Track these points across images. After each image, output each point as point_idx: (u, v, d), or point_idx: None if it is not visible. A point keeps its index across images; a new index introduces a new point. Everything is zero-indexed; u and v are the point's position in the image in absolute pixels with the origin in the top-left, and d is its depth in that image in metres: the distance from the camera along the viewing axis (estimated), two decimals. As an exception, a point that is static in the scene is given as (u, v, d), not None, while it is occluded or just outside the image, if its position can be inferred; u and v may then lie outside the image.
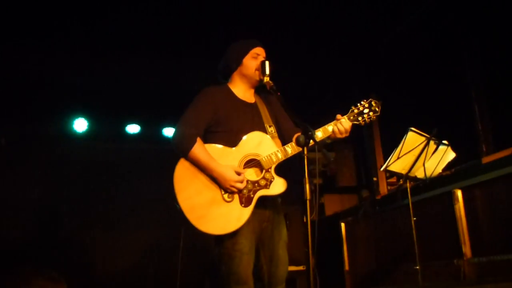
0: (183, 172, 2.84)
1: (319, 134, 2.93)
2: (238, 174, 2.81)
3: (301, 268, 6.27)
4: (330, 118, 3.00)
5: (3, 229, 6.28)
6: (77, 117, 6.98)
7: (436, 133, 3.95)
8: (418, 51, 5.76)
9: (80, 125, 6.99)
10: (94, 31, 5.56)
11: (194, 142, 2.84)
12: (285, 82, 3.25)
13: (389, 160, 4.02)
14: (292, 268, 5.71)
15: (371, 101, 3.05)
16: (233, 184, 2.77)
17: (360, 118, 3.02)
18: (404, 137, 3.94)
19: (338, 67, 6.52)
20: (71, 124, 6.98)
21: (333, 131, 2.94)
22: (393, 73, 6.30)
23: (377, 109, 3.05)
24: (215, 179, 2.81)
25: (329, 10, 5.35)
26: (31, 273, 1.47)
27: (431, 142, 3.97)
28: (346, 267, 5.97)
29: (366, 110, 3.03)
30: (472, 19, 4.99)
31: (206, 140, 2.95)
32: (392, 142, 4.24)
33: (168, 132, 7.37)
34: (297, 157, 2.81)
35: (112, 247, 6.76)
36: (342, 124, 2.93)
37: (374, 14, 5.41)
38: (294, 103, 2.85)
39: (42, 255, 6.24)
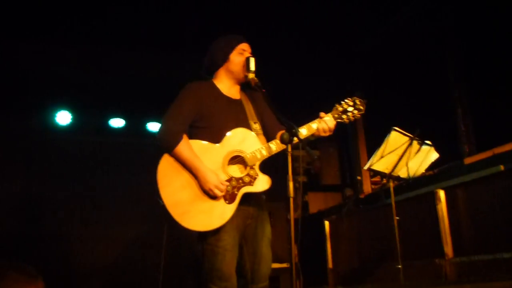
0: (167, 167, 2.82)
1: (304, 131, 2.93)
2: (221, 182, 2.79)
3: (284, 265, 6.29)
4: (314, 116, 3.00)
5: (-17, 222, 6.21)
6: (60, 110, 6.89)
7: (419, 133, 3.98)
8: (402, 51, 5.80)
9: (63, 117, 6.90)
10: (80, 23, 5.50)
11: (179, 139, 2.82)
12: (269, 79, 3.23)
13: (373, 159, 4.04)
14: (275, 265, 5.71)
15: (355, 99, 3.05)
16: (212, 188, 2.76)
17: (344, 116, 3.01)
18: (387, 136, 3.96)
19: (323, 66, 6.53)
20: (54, 116, 6.89)
21: (317, 129, 2.94)
22: (377, 73, 6.33)
23: (361, 107, 3.05)
24: (197, 178, 2.80)
25: (315, 9, 5.35)
26: (6, 267, 1.45)
27: (414, 142, 4.00)
28: (330, 265, 5.99)
29: (350, 108, 3.02)
30: (456, 20, 5.03)
31: (190, 136, 2.93)
32: (376, 142, 4.25)
33: (153, 126, 7.31)
34: (282, 155, 2.80)
35: (95, 241, 6.70)
36: (326, 122, 2.93)
37: (358, 13, 5.43)
38: (279, 101, 2.83)
39: (24, 249, 6.18)
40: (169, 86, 4.08)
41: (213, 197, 2.78)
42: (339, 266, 5.87)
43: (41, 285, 1.50)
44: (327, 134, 2.97)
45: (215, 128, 2.93)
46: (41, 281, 1.50)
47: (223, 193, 2.79)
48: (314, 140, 3.08)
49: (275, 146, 2.91)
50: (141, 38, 5.83)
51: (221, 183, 2.78)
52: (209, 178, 2.77)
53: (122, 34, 5.76)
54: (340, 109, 3.02)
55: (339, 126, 3.05)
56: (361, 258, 5.41)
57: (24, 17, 5.29)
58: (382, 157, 3.98)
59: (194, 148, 2.85)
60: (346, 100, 3.04)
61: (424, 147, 4.08)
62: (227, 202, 2.79)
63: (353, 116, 3.03)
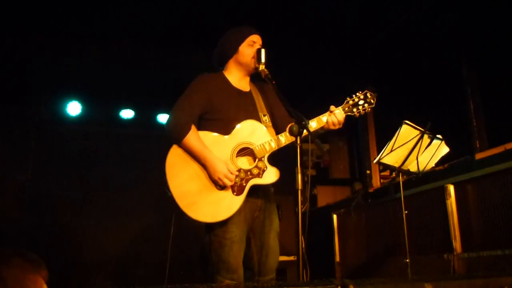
0: (175, 158, 2.83)
1: (313, 124, 2.92)
2: (230, 172, 2.79)
3: (292, 258, 6.29)
4: (324, 110, 2.99)
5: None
6: (71, 101, 6.91)
7: (430, 127, 3.94)
8: (415, 46, 5.74)
9: (74, 108, 6.92)
10: (92, 15, 5.49)
11: (188, 129, 2.82)
12: (280, 72, 3.22)
13: (382, 153, 4.01)
14: (283, 258, 5.70)
15: (366, 93, 3.03)
16: (221, 177, 2.76)
17: (354, 110, 3.00)
18: (398, 130, 3.93)
19: (334, 59, 6.49)
20: (65, 107, 6.91)
21: (327, 122, 2.93)
22: (389, 67, 6.28)
23: (372, 101, 3.03)
24: (205, 168, 2.80)
25: (327, 3, 5.31)
26: (11, 254, 1.45)
27: (425, 136, 3.96)
28: (337, 258, 5.98)
29: (361, 102, 3.01)
30: (469, 16, 4.98)
31: (199, 127, 2.93)
32: (386, 136, 4.22)
33: (162, 118, 7.31)
34: (292, 148, 2.80)
35: (103, 233, 6.72)
36: (336, 115, 2.92)
37: (372, 7, 5.38)
38: (289, 93, 2.82)
39: (31, 240, 6.21)
40: (179, 77, 4.07)
41: (222, 187, 2.79)
42: (347, 260, 5.86)
43: (45, 272, 1.50)
44: (337, 127, 2.96)
45: (225, 120, 2.93)
46: (44, 269, 1.51)
47: (232, 183, 2.79)
48: (324, 134, 3.08)
49: (284, 138, 2.90)
50: (153, 29, 5.81)
51: (231, 173, 2.78)
52: (218, 167, 2.77)
53: (134, 26, 5.75)
54: (351, 102, 3.01)
55: (349, 120, 3.04)
56: (369, 252, 5.40)
57: (36, 8, 5.29)
58: (392, 150, 3.95)
59: (203, 140, 2.85)
60: (357, 94, 3.03)
61: (435, 141, 4.04)
62: (235, 194, 2.80)
63: (363, 110, 3.02)
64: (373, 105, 3.04)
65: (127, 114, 7.22)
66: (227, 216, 2.75)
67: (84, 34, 5.83)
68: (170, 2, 5.27)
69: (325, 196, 7.39)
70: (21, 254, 1.49)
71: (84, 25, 5.66)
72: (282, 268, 5.98)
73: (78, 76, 6.65)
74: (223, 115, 2.95)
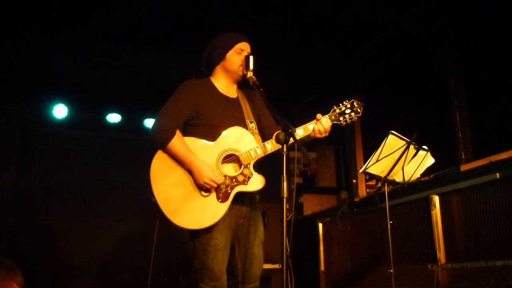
0: (160, 164, 2.81)
1: (300, 132, 2.91)
2: (216, 176, 2.78)
3: (276, 266, 6.27)
4: (311, 118, 2.98)
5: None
6: (57, 103, 6.85)
7: (417, 137, 3.96)
8: (403, 57, 5.78)
9: (60, 111, 6.86)
10: (81, 18, 5.46)
11: (173, 134, 2.80)
12: (267, 80, 3.21)
13: (368, 162, 4.02)
14: (267, 266, 5.70)
15: (353, 102, 3.03)
16: (207, 181, 2.74)
17: (341, 118, 3.00)
18: (385, 140, 3.94)
19: (322, 68, 6.51)
20: (51, 109, 6.85)
21: (313, 130, 2.92)
22: (377, 77, 6.32)
23: (359, 110, 3.03)
24: (191, 173, 2.78)
25: (316, 11, 5.33)
26: None
27: (411, 147, 3.98)
28: (322, 267, 5.97)
29: (347, 111, 3.01)
30: (457, 28, 5.02)
31: (185, 133, 2.92)
32: (373, 146, 4.24)
33: (149, 123, 7.27)
34: (279, 156, 2.79)
35: (86, 237, 6.68)
36: (322, 124, 2.91)
37: (359, 17, 5.41)
38: (276, 101, 2.81)
39: (15, 243, 6.14)
40: (166, 82, 4.06)
41: (207, 192, 2.77)
42: (332, 269, 5.85)
43: (20, 279, 1.47)
44: (323, 135, 2.95)
45: (211, 127, 2.92)
46: (19, 275, 1.47)
47: (220, 183, 2.77)
48: (311, 142, 3.07)
49: (271, 146, 2.89)
50: (141, 35, 5.80)
51: (216, 176, 2.76)
52: (204, 171, 2.75)
53: (122, 30, 5.72)
54: (338, 111, 3.00)
55: (337, 128, 3.04)
56: (354, 261, 5.39)
57: (24, 7, 5.25)
58: (378, 160, 3.96)
59: (188, 145, 2.83)
60: (344, 103, 3.03)
61: (421, 152, 4.06)
62: (220, 200, 2.78)
63: (350, 119, 3.02)
64: (360, 114, 3.03)
65: (114, 118, 7.18)
66: (211, 223, 2.73)
67: (73, 36, 5.80)
68: (159, 6, 5.26)
69: (311, 204, 7.39)
70: None
71: (73, 27, 5.63)
72: (267, 276, 5.96)
73: (65, 78, 6.60)
74: (209, 121, 2.93)
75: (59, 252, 6.47)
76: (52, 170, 6.81)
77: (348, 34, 5.75)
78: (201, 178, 2.75)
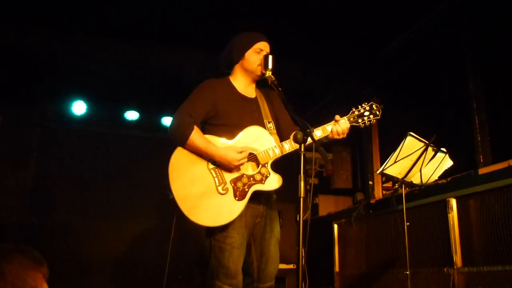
0: (179, 161, 2.83)
1: (318, 133, 2.92)
2: (239, 152, 2.80)
3: (291, 266, 6.28)
4: (329, 119, 2.99)
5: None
6: (76, 100, 6.91)
7: (435, 139, 3.94)
8: (422, 59, 5.74)
9: (79, 108, 6.92)
10: (99, 15, 5.51)
11: (191, 130, 2.82)
12: (286, 80, 3.22)
13: (386, 164, 4.00)
14: (282, 266, 5.70)
15: (372, 104, 3.04)
16: (237, 163, 2.79)
17: (360, 120, 3.01)
18: (403, 141, 3.92)
19: (341, 69, 6.49)
20: (70, 106, 6.91)
21: (331, 131, 2.93)
22: (395, 79, 6.28)
23: (377, 112, 3.04)
24: (217, 164, 2.81)
25: (336, 11, 5.32)
26: (11, 250, 1.45)
27: (429, 149, 3.96)
28: (336, 268, 5.95)
29: (366, 113, 3.02)
30: (477, 31, 4.98)
31: (204, 132, 2.93)
32: (390, 147, 4.22)
33: (167, 121, 7.28)
34: (295, 156, 2.79)
35: (103, 234, 6.70)
36: (340, 125, 2.93)
37: (378, 19, 5.38)
38: (294, 101, 2.82)
39: (33, 239, 6.20)
40: (185, 81, 4.09)
41: (223, 192, 2.78)
42: (346, 270, 5.83)
43: (46, 270, 1.50)
44: (341, 137, 2.97)
45: (229, 126, 2.94)
46: (45, 266, 1.50)
47: (246, 160, 2.82)
48: (327, 143, 3.07)
49: (289, 145, 2.91)
50: (160, 32, 5.83)
51: (242, 153, 2.81)
52: (229, 156, 2.79)
53: (141, 28, 5.76)
54: (356, 113, 3.02)
55: (354, 130, 3.05)
56: (369, 263, 5.37)
57: (44, 6, 5.32)
58: (396, 161, 3.94)
59: None
60: (363, 105, 3.04)
61: (439, 154, 4.03)
62: (237, 199, 2.79)
63: (368, 121, 3.03)
64: (378, 117, 3.04)
65: (132, 115, 7.21)
66: (228, 221, 2.75)
67: (91, 34, 5.85)
68: (178, 5, 5.29)
69: (327, 205, 7.37)
70: (22, 250, 1.49)
71: (92, 25, 5.68)
72: (281, 276, 5.97)
73: (84, 75, 6.65)
74: (228, 120, 2.95)
75: (76, 249, 6.50)
76: (70, 167, 6.85)
77: (367, 36, 5.73)
78: (230, 163, 2.79)
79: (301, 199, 2.34)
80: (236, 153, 2.79)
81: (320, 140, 2.93)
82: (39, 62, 6.36)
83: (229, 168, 2.81)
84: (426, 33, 5.41)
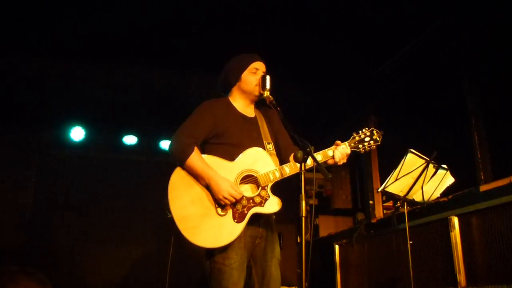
0: (178, 181, 2.80)
1: (319, 157, 2.92)
2: (235, 190, 2.77)
3: (292, 289, 6.21)
4: (326, 140, 3.00)
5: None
6: (74, 126, 6.94)
7: (436, 156, 3.93)
8: (420, 76, 5.76)
9: (77, 133, 6.94)
10: (96, 39, 5.54)
11: (191, 150, 2.81)
12: (283, 100, 3.22)
13: (387, 181, 3.99)
14: (283, 288, 5.64)
15: (372, 130, 3.07)
16: (226, 196, 2.73)
17: (360, 146, 3.03)
18: (404, 158, 3.91)
19: (338, 87, 6.51)
20: (68, 132, 6.93)
21: (332, 156, 2.93)
22: (393, 96, 6.29)
23: (378, 138, 3.06)
24: (209, 188, 2.77)
25: (332, 30, 5.35)
26: (17, 272, 1.43)
27: (430, 165, 3.94)
28: (338, 290, 5.89)
29: (367, 139, 3.04)
30: (474, 47, 5.00)
31: (204, 152, 2.92)
32: (389, 167, 4.21)
33: (165, 144, 7.31)
34: (294, 178, 2.78)
35: (103, 258, 6.68)
36: (341, 150, 2.93)
37: (375, 36, 5.42)
38: (294, 123, 2.82)
39: (31, 263, 6.14)
40: (183, 104, 4.08)
41: (223, 213, 2.75)
42: (349, 292, 5.77)
43: None
44: (341, 162, 2.98)
45: (230, 146, 2.93)
46: None
47: (238, 198, 2.76)
48: (326, 166, 3.06)
49: (289, 168, 2.89)
50: (158, 56, 5.87)
51: (235, 191, 2.75)
52: (223, 186, 2.74)
53: (139, 52, 5.80)
54: (357, 138, 3.03)
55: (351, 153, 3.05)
56: (371, 284, 5.31)
57: (40, 31, 5.35)
58: (397, 179, 3.93)
59: (207, 162, 2.83)
60: (363, 130, 3.07)
61: (440, 171, 4.02)
62: (235, 221, 2.76)
63: (369, 147, 3.05)
64: (379, 143, 3.07)
65: (130, 140, 7.23)
66: (227, 242, 2.71)
67: (89, 59, 5.88)
68: (175, 28, 5.32)
69: (327, 226, 7.33)
70: (27, 273, 1.47)
71: (89, 50, 5.71)
72: (283, 299, 5.88)
73: (82, 101, 6.68)
74: (228, 140, 2.94)
75: (75, 273, 6.48)
76: (68, 192, 6.85)
77: (364, 54, 5.76)
78: (220, 192, 2.73)
79: (303, 218, 2.32)
80: (231, 188, 2.75)
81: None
82: (37, 88, 6.39)
83: (217, 196, 2.75)
84: (422, 50, 5.44)
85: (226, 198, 2.73)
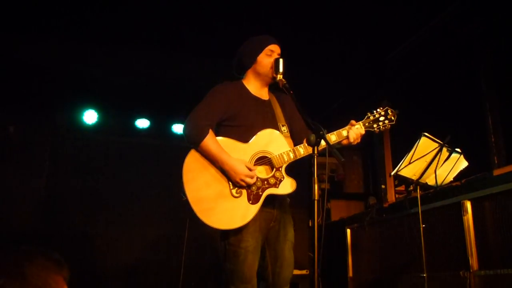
0: (193, 163, 2.81)
1: (333, 137, 2.90)
2: (250, 169, 2.77)
3: (304, 272, 6.24)
4: (338, 125, 2.97)
5: (7, 216, 6.26)
6: (87, 109, 6.96)
7: (450, 140, 3.90)
8: (434, 60, 5.71)
9: (90, 117, 6.97)
10: (109, 23, 5.55)
11: (206, 133, 2.81)
12: (297, 83, 3.21)
13: (400, 165, 3.97)
14: (295, 272, 5.66)
15: (387, 109, 3.03)
16: (243, 178, 2.74)
17: (375, 126, 3.00)
18: (417, 142, 3.89)
19: (352, 71, 6.48)
20: (81, 115, 6.96)
21: (347, 136, 2.91)
22: (407, 80, 6.25)
23: (392, 118, 3.03)
24: (225, 172, 2.78)
25: (345, 15, 5.31)
26: (34, 252, 1.45)
27: (444, 149, 3.92)
28: (350, 273, 5.90)
29: (381, 118, 3.01)
30: (488, 31, 4.94)
31: (218, 134, 2.92)
32: (402, 151, 4.19)
33: (178, 128, 7.32)
34: (307, 161, 2.78)
35: (117, 241, 6.72)
36: (355, 130, 2.90)
37: (390, 20, 5.37)
38: (307, 106, 2.80)
39: (46, 246, 6.20)
40: (195, 88, 4.08)
41: (237, 195, 2.76)
42: (360, 275, 5.78)
43: (67, 273, 1.49)
44: (355, 142, 2.95)
45: (243, 127, 2.93)
46: (66, 269, 1.50)
47: (253, 181, 2.77)
48: (339, 148, 3.05)
49: (303, 150, 2.88)
50: (171, 40, 5.86)
51: (251, 172, 2.76)
52: (238, 169, 2.75)
53: (151, 37, 5.80)
54: (372, 118, 3.00)
55: (365, 134, 3.01)
56: (383, 267, 5.32)
57: (55, 15, 5.36)
58: (410, 163, 3.92)
59: (221, 145, 2.84)
60: (378, 110, 3.03)
61: (454, 155, 4.00)
62: (250, 202, 2.77)
63: (383, 126, 3.01)
64: (394, 122, 3.03)
65: (142, 123, 7.25)
66: (241, 224, 2.73)
67: (102, 42, 5.89)
68: (189, 13, 5.31)
69: (339, 210, 7.33)
70: (44, 253, 1.49)
71: (102, 33, 5.72)
72: (295, 282, 5.92)
73: (95, 84, 6.71)
74: (242, 122, 2.94)
75: (90, 257, 6.52)
76: (82, 176, 6.88)
77: (378, 37, 5.71)
78: (237, 176, 2.74)
79: (315, 201, 2.32)
80: (246, 168, 2.76)
81: (333, 145, 2.91)
82: (50, 72, 6.42)
83: (233, 180, 2.77)
84: (437, 34, 5.38)
85: (242, 180, 2.74)
